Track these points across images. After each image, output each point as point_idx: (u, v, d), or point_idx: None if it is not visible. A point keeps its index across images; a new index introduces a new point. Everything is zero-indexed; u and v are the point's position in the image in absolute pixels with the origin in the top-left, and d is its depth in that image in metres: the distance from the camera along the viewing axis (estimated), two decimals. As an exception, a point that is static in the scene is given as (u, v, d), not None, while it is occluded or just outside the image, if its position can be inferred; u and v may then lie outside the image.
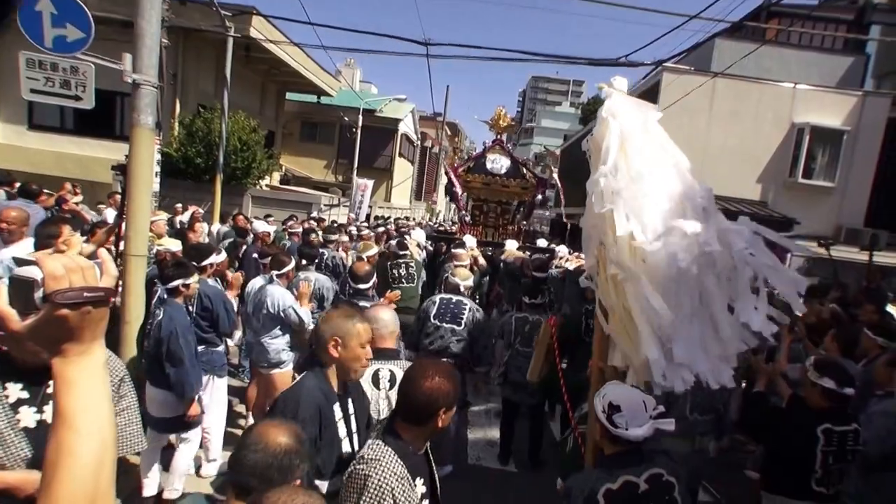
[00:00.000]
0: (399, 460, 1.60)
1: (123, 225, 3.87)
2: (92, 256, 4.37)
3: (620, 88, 2.35)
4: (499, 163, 9.30)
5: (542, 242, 10.79)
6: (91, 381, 0.78)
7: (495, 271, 7.24)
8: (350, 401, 2.05)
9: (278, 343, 4.10)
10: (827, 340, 3.73)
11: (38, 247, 3.86)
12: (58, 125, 13.05)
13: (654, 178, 2.06)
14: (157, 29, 3.46)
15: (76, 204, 6.60)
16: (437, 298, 4.27)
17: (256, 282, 4.50)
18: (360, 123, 18.34)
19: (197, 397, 3.30)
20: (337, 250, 6.63)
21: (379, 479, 1.53)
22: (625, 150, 2.12)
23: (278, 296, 4.05)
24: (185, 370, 3.16)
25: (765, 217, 14.65)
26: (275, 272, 4.23)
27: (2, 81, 12.26)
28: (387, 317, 2.52)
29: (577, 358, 4.59)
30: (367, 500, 1.52)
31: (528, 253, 7.93)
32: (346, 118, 19.95)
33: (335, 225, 9.57)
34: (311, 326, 4.00)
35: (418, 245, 7.44)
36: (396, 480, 1.56)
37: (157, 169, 9.42)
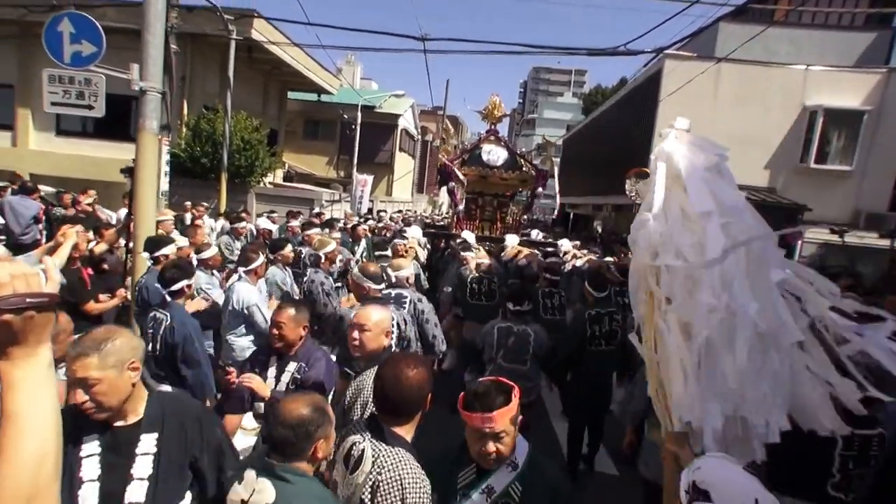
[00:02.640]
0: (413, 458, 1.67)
1: (132, 224, 4.20)
2: (105, 254, 4.74)
3: (681, 127, 2.09)
4: (495, 154, 8.88)
5: (535, 234, 10.48)
6: (36, 382, 0.82)
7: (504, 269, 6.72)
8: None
9: (242, 342, 3.94)
10: None
11: (49, 237, 4.24)
12: (80, 130, 13.87)
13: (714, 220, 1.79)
14: (160, 40, 3.79)
15: (88, 204, 7.05)
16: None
17: (233, 278, 4.50)
18: (359, 120, 18.63)
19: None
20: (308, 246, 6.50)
21: (413, 478, 1.60)
22: (679, 187, 1.92)
23: (243, 293, 3.90)
24: (203, 372, 3.26)
25: (773, 204, 14.03)
26: (242, 269, 4.10)
27: (34, 93, 12.94)
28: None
29: (581, 370, 4.24)
30: (413, 499, 1.59)
31: (542, 251, 7.46)
32: (346, 115, 20.25)
33: (308, 219, 9.32)
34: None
35: (419, 243, 7.18)
36: (422, 475, 1.65)
37: (167, 169, 9.89)
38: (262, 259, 4.14)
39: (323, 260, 5.09)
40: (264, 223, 7.28)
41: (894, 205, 14.20)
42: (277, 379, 2.62)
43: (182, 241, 5.02)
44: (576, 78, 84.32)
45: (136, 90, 3.72)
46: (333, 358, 3.24)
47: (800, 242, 13.50)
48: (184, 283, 3.32)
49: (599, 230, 21.89)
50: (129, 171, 4.17)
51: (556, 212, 15.65)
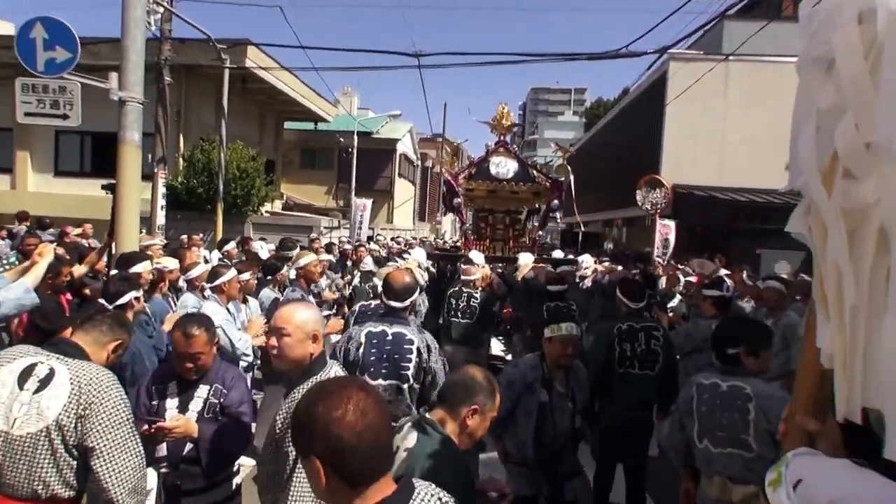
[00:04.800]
0: None
1: (114, 245, 3.94)
2: (93, 277, 4.48)
3: None
4: (504, 166, 8.10)
5: (557, 253, 9.74)
6: None
7: (510, 290, 6.18)
8: None
9: None
10: None
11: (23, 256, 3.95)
12: (78, 170, 13.98)
13: None
14: (141, 46, 3.60)
15: (76, 236, 7.13)
16: (362, 332, 2.74)
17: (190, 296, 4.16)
18: (355, 144, 18.61)
19: None
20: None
21: None
22: None
23: (209, 313, 3.41)
24: None
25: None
26: (207, 284, 3.68)
27: (33, 135, 13.02)
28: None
29: (609, 399, 3.55)
30: None
31: (551, 267, 6.74)
32: (342, 140, 20.30)
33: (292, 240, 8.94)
34: (246, 354, 3.49)
35: (419, 265, 6.58)
36: None
37: (163, 203, 9.76)
38: (230, 274, 3.72)
39: (295, 276, 4.47)
40: (256, 246, 6.99)
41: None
42: (183, 408, 2.22)
43: (171, 262, 4.72)
44: (576, 97, 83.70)
45: (115, 99, 3.52)
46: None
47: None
48: (130, 296, 2.98)
49: (611, 247, 21.55)
50: (111, 188, 3.94)
51: (560, 229, 14.95)
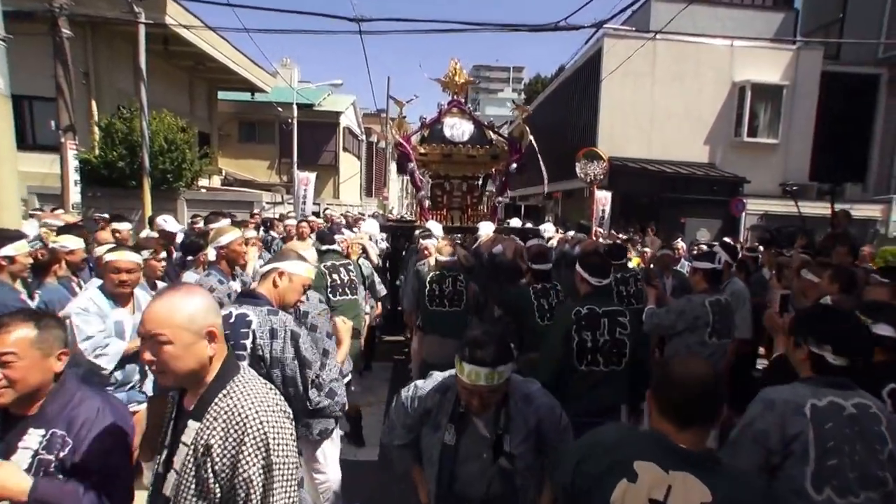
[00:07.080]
0: None
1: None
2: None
3: None
4: (459, 128, 7.44)
5: (515, 222, 9.47)
6: None
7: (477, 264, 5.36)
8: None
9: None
10: (824, 282, 3.28)
11: None
12: None
13: None
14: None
15: None
16: None
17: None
18: (295, 115, 17.50)
19: None
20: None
21: None
22: None
23: (72, 301, 2.96)
24: None
25: (716, 178, 14.82)
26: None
27: None
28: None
29: (571, 403, 2.73)
30: None
31: (513, 236, 5.94)
32: (281, 110, 19.08)
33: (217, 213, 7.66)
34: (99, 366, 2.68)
35: (371, 238, 6.08)
36: None
37: (77, 177, 8.61)
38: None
39: (214, 257, 3.40)
40: (163, 222, 5.58)
41: (814, 174, 15.32)
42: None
43: (71, 241, 3.90)
44: (514, 75, 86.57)
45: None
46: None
47: (743, 213, 13.95)
48: None
49: (550, 219, 21.65)
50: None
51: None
